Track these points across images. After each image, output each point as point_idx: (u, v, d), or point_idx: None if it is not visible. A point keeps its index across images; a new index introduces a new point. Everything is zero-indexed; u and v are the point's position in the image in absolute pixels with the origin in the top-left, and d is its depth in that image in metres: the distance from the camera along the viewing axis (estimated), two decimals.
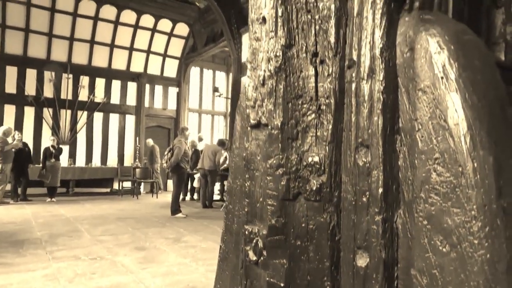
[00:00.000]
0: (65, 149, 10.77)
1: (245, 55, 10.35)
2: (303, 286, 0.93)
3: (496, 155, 0.73)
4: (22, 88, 10.70)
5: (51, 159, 9.43)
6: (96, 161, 11.86)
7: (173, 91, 13.33)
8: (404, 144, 0.85)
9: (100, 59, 11.88)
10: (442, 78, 0.79)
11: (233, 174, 1.34)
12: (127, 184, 11.44)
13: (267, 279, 0.98)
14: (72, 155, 11.39)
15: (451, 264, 0.74)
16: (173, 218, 7.27)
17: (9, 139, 8.88)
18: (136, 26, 12.06)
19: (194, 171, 9.82)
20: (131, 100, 12.53)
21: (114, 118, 12.30)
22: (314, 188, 0.92)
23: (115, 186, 11.50)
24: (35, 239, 5.16)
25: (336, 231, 0.92)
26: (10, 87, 10.66)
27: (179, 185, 7.71)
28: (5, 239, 5.14)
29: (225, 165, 8.98)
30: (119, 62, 12.22)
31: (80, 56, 11.57)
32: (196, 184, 10.41)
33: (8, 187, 9.12)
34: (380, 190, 0.83)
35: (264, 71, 1.01)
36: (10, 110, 10.65)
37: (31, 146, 10.03)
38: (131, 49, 12.29)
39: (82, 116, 11.63)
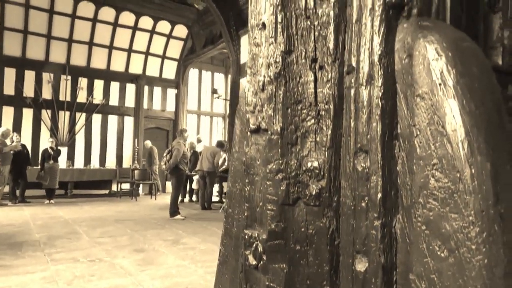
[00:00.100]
0: (64, 150, 10.76)
1: (244, 56, 10.37)
2: None
3: (493, 161, 0.74)
4: (21, 90, 10.69)
5: (49, 161, 9.42)
6: (95, 163, 11.84)
7: (171, 92, 13.33)
8: (402, 150, 0.86)
9: (98, 61, 11.88)
10: (440, 84, 0.80)
11: (233, 178, 1.34)
12: (126, 186, 11.42)
13: (267, 283, 0.98)
14: (71, 157, 11.38)
15: (449, 269, 0.74)
16: (171, 220, 7.27)
17: (8, 141, 8.87)
18: (134, 28, 12.06)
19: (193, 173, 9.82)
20: (130, 102, 12.52)
21: (112, 119, 12.30)
22: (314, 193, 0.93)
23: (114, 187, 11.50)
24: (34, 241, 5.16)
25: (335, 235, 0.92)
26: (9, 89, 10.64)
27: (177, 187, 7.71)
28: (4, 241, 5.13)
29: (224, 167, 8.99)
30: (118, 63, 12.22)
31: (78, 58, 11.57)
32: (194, 185, 10.41)
33: (6, 189, 9.10)
34: (379, 195, 0.84)
35: (264, 76, 1.02)
36: (8, 112, 10.64)
37: (29, 147, 10.02)
38: (129, 50, 12.29)
39: (81, 118, 11.62)
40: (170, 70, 13.22)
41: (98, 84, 11.92)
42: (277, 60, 0.99)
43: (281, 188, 0.97)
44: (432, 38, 0.83)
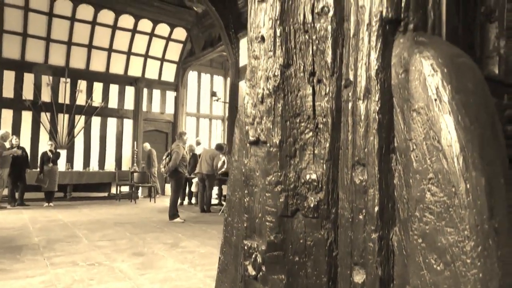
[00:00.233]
0: (63, 153, 10.76)
1: (243, 59, 10.39)
2: None
3: (488, 176, 0.75)
4: (20, 93, 10.69)
5: (48, 164, 9.42)
6: (94, 166, 11.84)
7: (171, 95, 13.34)
8: (399, 163, 0.87)
9: (98, 64, 11.90)
10: (435, 100, 0.81)
11: (232, 187, 1.36)
12: (125, 189, 11.43)
13: None
14: (70, 160, 11.38)
15: (445, 282, 0.76)
16: (171, 223, 7.27)
17: (7, 144, 8.87)
18: (134, 31, 12.08)
19: (192, 176, 9.83)
20: (129, 104, 12.53)
21: (112, 122, 12.31)
22: (312, 205, 0.95)
23: (113, 190, 11.50)
24: (33, 244, 5.15)
25: (333, 247, 0.94)
26: (8, 92, 10.65)
27: (177, 190, 7.72)
28: (3, 244, 5.13)
29: (223, 170, 9.00)
30: (117, 66, 12.23)
31: (78, 61, 11.58)
32: (194, 188, 10.41)
33: (5, 191, 9.10)
34: (376, 208, 0.86)
35: (263, 89, 1.04)
36: (7, 115, 10.64)
37: (28, 150, 10.01)
38: (129, 53, 12.31)
39: (80, 121, 11.63)
40: (169, 73, 13.24)
41: (97, 86, 11.93)
42: (276, 73, 1.01)
43: (280, 200, 0.99)
44: (428, 54, 0.85)
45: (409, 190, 0.84)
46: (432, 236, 0.78)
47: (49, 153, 9.52)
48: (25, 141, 10.44)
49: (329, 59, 0.96)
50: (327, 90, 0.96)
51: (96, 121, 11.97)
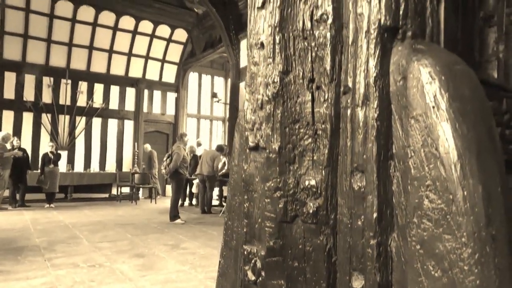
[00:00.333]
0: (64, 154, 10.78)
1: (244, 61, 10.40)
2: None
3: (485, 184, 0.76)
4: (21, 94, 10.72)
5: (49, 165, 9.45)
6: (95, 167, 11.86)
7: (171, 96, 13.36)
8: (397, 170, 0.88)
9: (98, 65, 11.92)
10: (433, 107, 0.82)
11: (232, 191, 1.36)
12: (126, 190, 11.45)
13: None
14: (71, 161, 11.40)
15: None
16: (172, 224, 7.28)
17: (8, 145, 8.90)
18: (134, 32, 12.11)
19: (193, 177, 9.84)
20: (130, 106, 12.56)
21: (112, 123, 12.33)
22: (311, 211, 0.95)
23: (114, 191, 11.52)
24: (34, 246, 5.17)
25: (332, 252, 0.94)
26: (9, 93, 10.68)
27: (177, 191, 7.74)
28: (4, 246, 5.14)
29: (223, 171, 9.01)
30: (118, 67, 12.26)
31: (78, 62, 11.61)
32: (194, 189, 10.43)
33: (7, 193, 9.12)
34: (375, 215, 0.86)
35: (262, 95, 1.05)
36: (8, 116, 10.67)
37: (29, 151, 10.04)
38: (129, 54, 12.34)
39: (81, 122, 11.65)
40: (170, 74, 13.26)
41: (98, 88, 11.95)
42: (275, 80, 1.02)
43: (279, 205, 0.99)
44: (425, 62, 0.86)
45: (407, 197, 0.84)
46: (430, 243, 0.79)
47: (50, 154, 9.55)
48: (26, 142, 10.47)
49: (328, 66, 0.97)
50: (326, 97, 0.97)
51: (97, 122, 12.00)
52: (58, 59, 11.28)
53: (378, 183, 0.87)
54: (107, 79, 12.11)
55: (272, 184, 1.01)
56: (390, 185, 0.88)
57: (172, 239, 5.83)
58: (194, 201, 10.72)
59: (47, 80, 11.13)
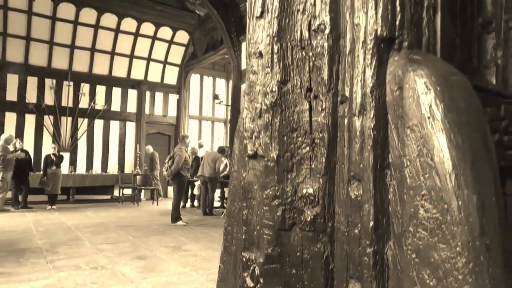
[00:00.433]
0: (66, 156, 10.81)
1: (245, 62, 10.41)
2: None
3: (480, 194, 0.77)
4: (23, 96, 10.76)
5: (52, 167, 9.48)
6: (97, 168, 11.90)
7: (173, 98, 13.39)
8: (394, 179, 0.89)
9: (100, 67, 11.96)
10: (428, 118, 0.83)
11: (232, 197, 1.38)
12: (128, 191, 11.47)
13: None
14: (73, 162, 11.44)
15: None
16: (173, 226, 7.30)
17: (10, 147, 8.94)
18: (136, 34, 12.14)
19: (194, 178, 9.86)
20: (132, 107, 12.59)
21: (114, 125, 12.36)
22: (309, 219, 0.97)
23: (116, 193, 11.55)
24: (36, 248, 5.19)
25: (329, 260, 0.96)
26: (11, 95, 10.72)
27: (179, 193, 7.75)
28: (6, 247, 5.17)
29: (225, 172, 9.02)
30: (120, 69, 12.30)
31: (81, 64, 11.65)
32: (196, 191, 10.44)
33: (9, 194, 9.16)
34: (371, 223, 0.87)
35: (261, 104, 1.06)
36: (11, 118, 10.71)
37: (32, 153, 10.07)
38: (131, 56, 12.37)
39: (83, 124, 11.69)
40: (171, 76, 13.29)
41: (100, 89, 11.99)
42: (273, 89, 1.03)
43: (277, 213, 1.01)
44: (421, 72, 0.87)
45: (403, 206, 0.85)
46: (425, 252, 0.80)
47: (52, 156, 9.59)
48: (28, 144, 10.50)
49: (325, 75, 0.98)
50: (324, 106, 0.98)
51: (99, 124, 12.03)
52: (60, 61, 11.33)
53: (374, 192, 0.88)
54: (109, 81, 12.15)
55: (271, 192, 1.02)
56: (387, 194, 0.89)
57: (173, 241, 5.85)
58: (195, 203, 10.74)
59: (49, 82, 11.18)
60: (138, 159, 12.25)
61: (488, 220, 0.76)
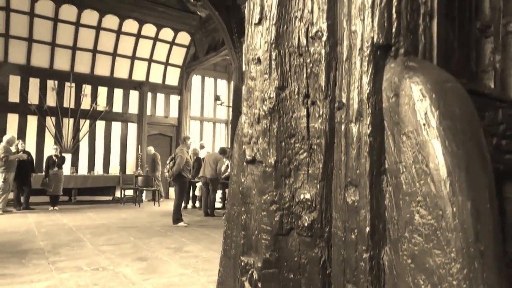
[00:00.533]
0: (68, 157, 10.86)
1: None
2: None
3: (474, 201, 0.78)
4: (25, 97, 10.81)
5: (54, 168, 9.52)
6: (99, 169, 11.94)
7: (174, 99, 13.43)
8: (390, 185, 0.90)
9: (102, 68, 12.01)
10: (424, 125, 0.84)
11: (231, 201, 1.39)
12: (129, 192, 11.51)
13: None
14: (75, 164, 11.48)
15: None
16: (174, 227, 7.32)
17: (13, 148, 8.98)
18: (138, 35, 12.19)
19: (196, 179, 9.88)
20: (133, 108, 12.63)
21: (116, 126, 12.40)
22: (306, 224, 0.97)
23: (117, 194, 11.58)
24: (38, 249, 5.22)
25: (327, 265, 0.97)
26: (14, 96, 10.78)
27: (181, 194, 7.77)
28: (8, 249, 5.19)
29: (226, 174, 9.03)
30: (121, 70, 12.34)
31: (82, 65, 11.70)
32: (197, 192, 10.46)
33: (11, 195, 9.20)
34: (368, 229, 0.88)
35: (259, 110, 1.07)
36: (13, 119, 10.77)
37: (34, 154, 10.13)
38: (133, 58, 12.42)
39: (85, 125, 11.74)
40: (173, 77, 13.33)
41: (102, 91, 12.04)
42: (271, 95, 1.04)
43: (275, 219, 1.02)
44: (417, 79, 0.88)
45: (399, 212, 0.86)
46: (420, 257, 0.81)
47: (54, 157, 9.62)
48: (30, 145, 10.55)
49: (322, 82, 0.99)
50: (321, 112, 0.99)
51: (100, 125, 12.08)
52: (62, 62, 11.38)
53: (371, 198, 0.89)
54: (111, 82, 12.19)
55: (268, 197, 1.03)
56: (383, 199, 0.90)
57: (175, 242, 5.86)
58: (197, 204, 10.76)
59: (51, 84, 11.23)
60: (139, 160, 12.28)
61: (483, 227, 0.77)
